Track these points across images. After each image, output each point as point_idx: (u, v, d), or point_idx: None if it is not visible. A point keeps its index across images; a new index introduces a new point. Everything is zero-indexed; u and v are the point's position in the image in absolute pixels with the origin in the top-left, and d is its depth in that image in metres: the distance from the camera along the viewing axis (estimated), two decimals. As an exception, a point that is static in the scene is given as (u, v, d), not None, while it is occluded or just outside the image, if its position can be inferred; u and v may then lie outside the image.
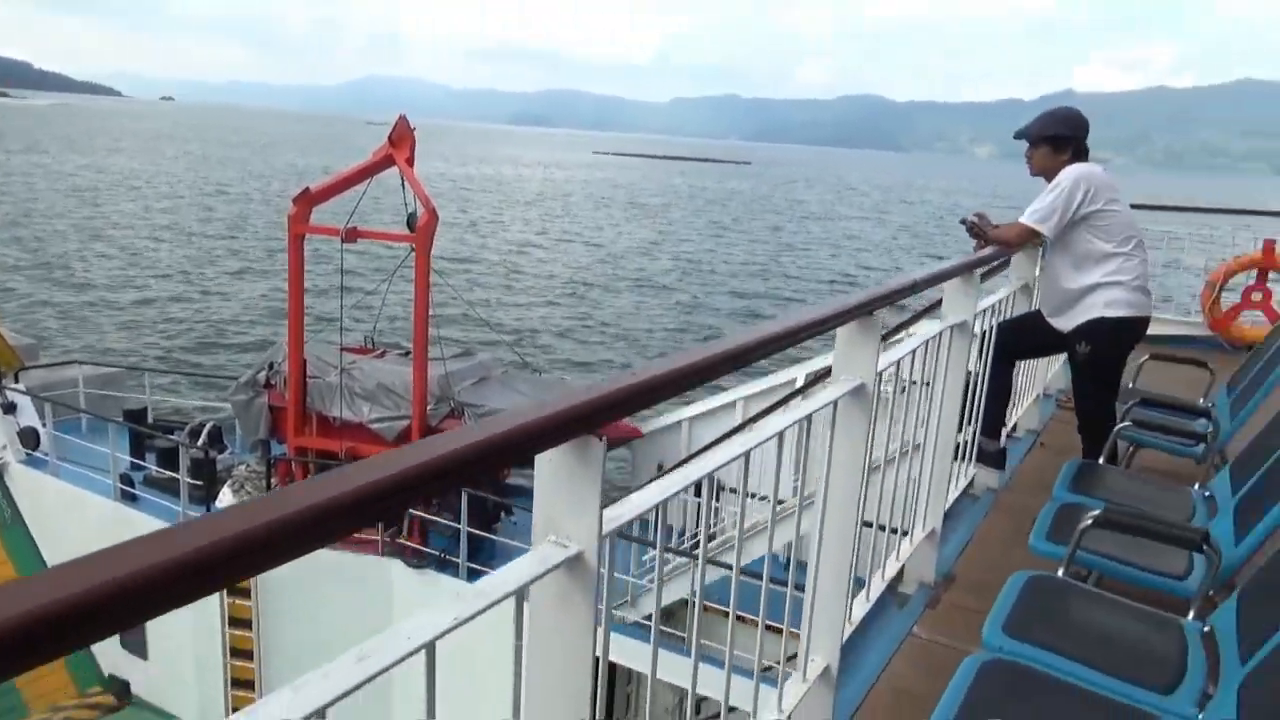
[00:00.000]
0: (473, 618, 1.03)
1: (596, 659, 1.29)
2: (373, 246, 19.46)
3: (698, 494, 8.63)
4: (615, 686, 8.42)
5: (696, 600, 1.87)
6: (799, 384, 9.80)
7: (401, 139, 9.77)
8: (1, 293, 24.44)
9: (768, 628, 2.10)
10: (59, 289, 25.49)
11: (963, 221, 3.92)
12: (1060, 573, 2.60)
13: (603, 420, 1.18)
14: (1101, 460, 3.74)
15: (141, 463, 10.39)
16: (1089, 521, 2.56)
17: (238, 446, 11.02)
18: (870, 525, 2.89)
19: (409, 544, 8.97)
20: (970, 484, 4.20)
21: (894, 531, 3.04)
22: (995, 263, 3.89)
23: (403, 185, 9.56)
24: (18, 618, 0.61)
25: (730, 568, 1.85)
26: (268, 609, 8.97)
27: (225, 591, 8.95)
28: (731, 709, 2.13)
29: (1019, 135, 3.92)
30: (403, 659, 0.95)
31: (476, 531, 8.56)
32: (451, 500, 9.20)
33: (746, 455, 1.71)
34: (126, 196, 47.35)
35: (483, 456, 1.02)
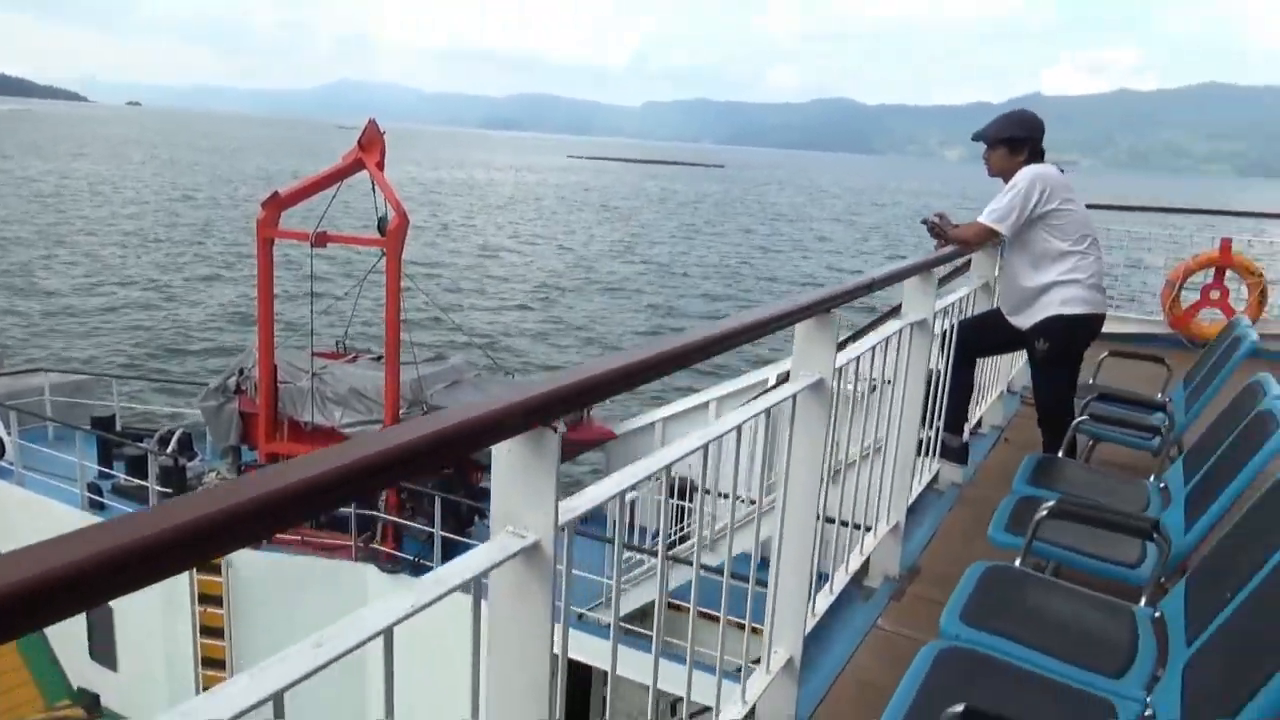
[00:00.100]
0: (429, 604, 1.06)
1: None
2: (345, 252, 19.37)
3: (673, 495, 8.68)
4: (592, 688, 8.44)
5: (659, 599, 1.91)
6: (770, 384, 9.87)
7: (371, 143, 9.76)
8: (-36, 301, 24.08)
9: (737, 625, 2.15)
10: (22, 297, 25.11)
11: (924, 221, 3.99)
12: (1018, 563, 2.66)
13: (556, 412, 1.22)
14: (1060, 454, 3.82)
15: (110, 471, 10.28)
16: (1044, 513, 2.62)
17: (208, 453, 10.93)
18: (832, 521, 2.94)
19: (382, 549, 8.94)
20: (935, 479, 4.27)
21: (856, 527, 3.09)
22: (954, 262, 3.96)
23: (373, 189, 9.55)
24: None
25: (706, 568, 1.89)
26: (241, 617, 8.91)
27: (198, 600, 8.88)
28: (705, 709, 2.17)
29: (977, 137, 4.00)
30: (360, 645, 0.97)
31: (450, 535, 8.55)
32: (425, 504, 9.19)
33: (705, 448, 1.75)
34: (91, 202, 46.73)
35: (437, 447, 1.05)
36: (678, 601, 6.91)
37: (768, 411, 2.02)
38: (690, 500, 9.20)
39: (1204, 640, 1.95)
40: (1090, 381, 4.57)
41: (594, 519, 9.72)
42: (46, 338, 21.58)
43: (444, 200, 61.62)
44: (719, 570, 2.11)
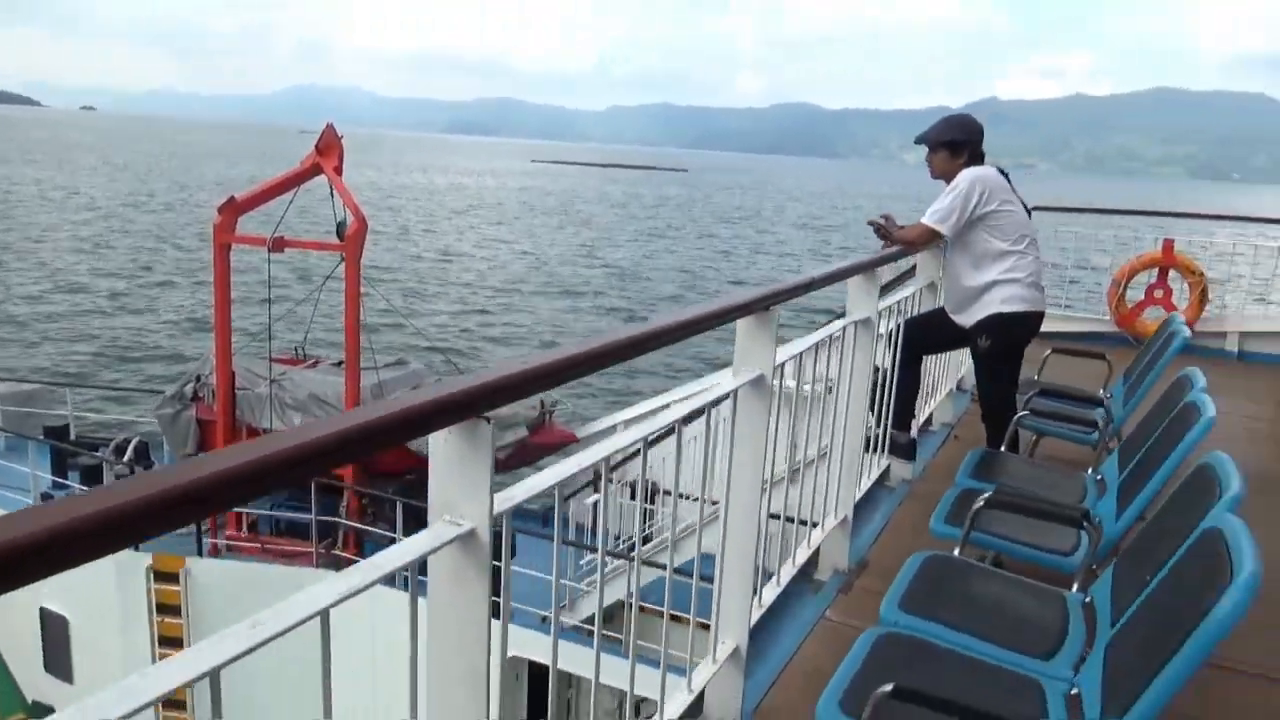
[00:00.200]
0: (365, 588, 1.11)
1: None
2: (305, 257, 19.20)
3: (643, 498, 8.76)
4: (559, 691, 8.46)
5: (599, 593, 1.97)
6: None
7: (329, 147, 9.72)
8: (-90, 310, 23.51)
9: (689, 621, 2.21)
10: (-31, 305, 24.61)
11: (870, 223, 4.09)
12: (957, 552, 2.75)
13: (489, 405, 1.27)
14: (1004, 449, 3.93)
15: (64, 481, 10.11)
16: (980, 503, 2.71)
17: (165, 461, 10.79)
18: (777, 518, 3.02)
19: (344, 555, 8.90)
20: (886, 475, 4.37)
21: (802, 523, 3.17)
22: (900, 265, 4.06)
23: (331, 194, 9.51)
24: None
25: (661, 566, 1.94)
26: (200, 626, 8.80)
27: (155, 609, 8.77)
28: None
29: (919, 140, 4.12)
30: (295, 626, 1.01)
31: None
32: (386, 509, 9.16)
33: (645, 442, 1.81)
34: (42, 208, 45.83)
35: (372, 435, 1.10)
36: (640, 603, 6.96)
37: (708, 407, 2.09)
38: (652, 502, 9.26)
39: (1125, 619, 2.04)
40: (1035, 378, 4.70)
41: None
42: (-4, 346, 21.16)
43: (405, 205, 61.23)
44: (678, 570, 2.17)
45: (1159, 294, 8.01)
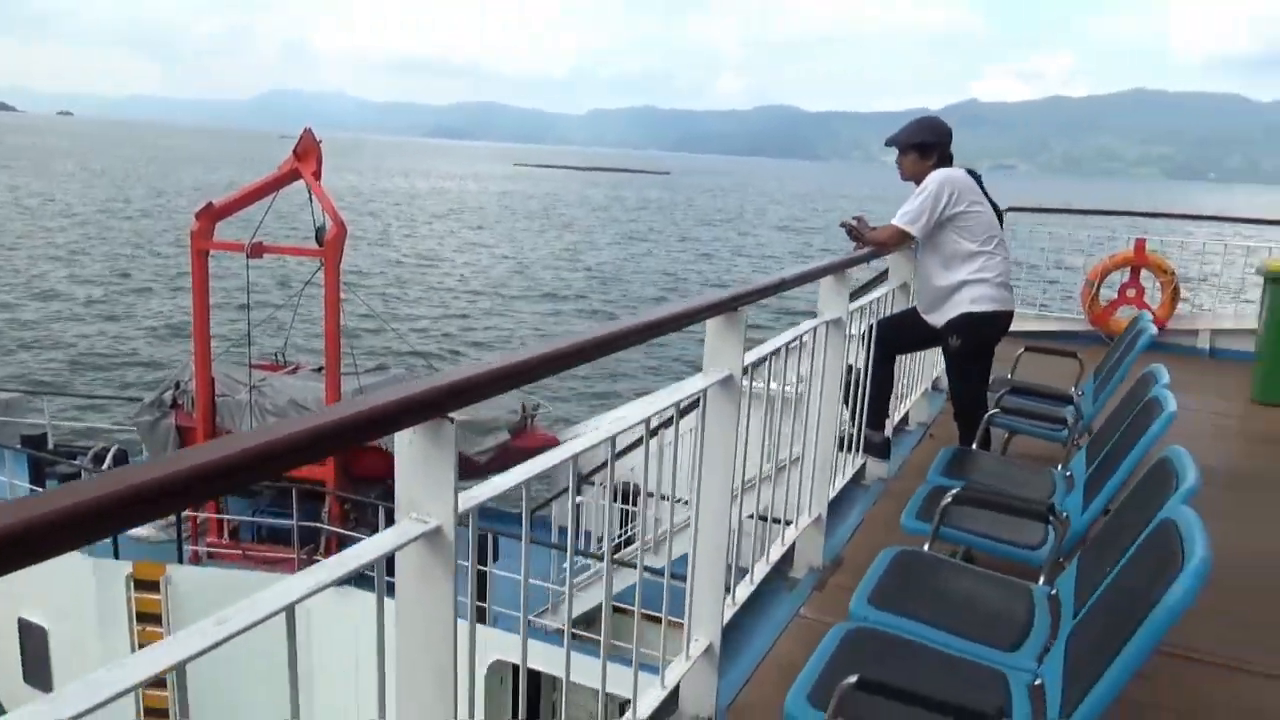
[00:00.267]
0: (331, 584, 1.13)
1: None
2: (284, 262, 19.12)
3: (624, 501, 8.80)
4: (542, 693, 8.47)
5: (568, 591, 2.00)
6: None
7: (307, 152, 9.69)
8: (-116, 319, 23.23)
9: (658, 620, 2.24)
10: (-56, 314, 24.34)
11: (843, 224, 4.14)
12: (926, 548, 2.79)
13: (453, 404, 1.29)
14: (975, 446, 3.98)
15: (42, 490, 10.03)
16: (949, 499, 2.76)
17: (144, 469, 10.73)
18: (751, 517, 3.06)
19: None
20: (862, 474, 4.42)
21: (776, 521, 3.20)
22: (874, 265, 4.11)
23: (310, 199, 9.49)
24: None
25: (631, 566, 1.98)
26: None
27: (136, 618, 8.72)
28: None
29: (889, 143, 4.17)
30: (261, 621, 1.04)
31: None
32: (368, 514, 9.15)
33: (613, 439, 1.84)
34: (17, 215, 45.37)
35: (341, 432, 1.12)
36: (617, 604, 6.99)
37: (676, 407, 2.12)
38: (634, 504, 9.28)
39: (1085, 610, 2.09)
40: (1007, 377, 4.76)
41: (542, 526, 9.75)
42: (-29, 355, 20.95)
43: (386, 210, 61.00)
44: (654, 571, 2.20)
45: (1131, 293, 8.12)
